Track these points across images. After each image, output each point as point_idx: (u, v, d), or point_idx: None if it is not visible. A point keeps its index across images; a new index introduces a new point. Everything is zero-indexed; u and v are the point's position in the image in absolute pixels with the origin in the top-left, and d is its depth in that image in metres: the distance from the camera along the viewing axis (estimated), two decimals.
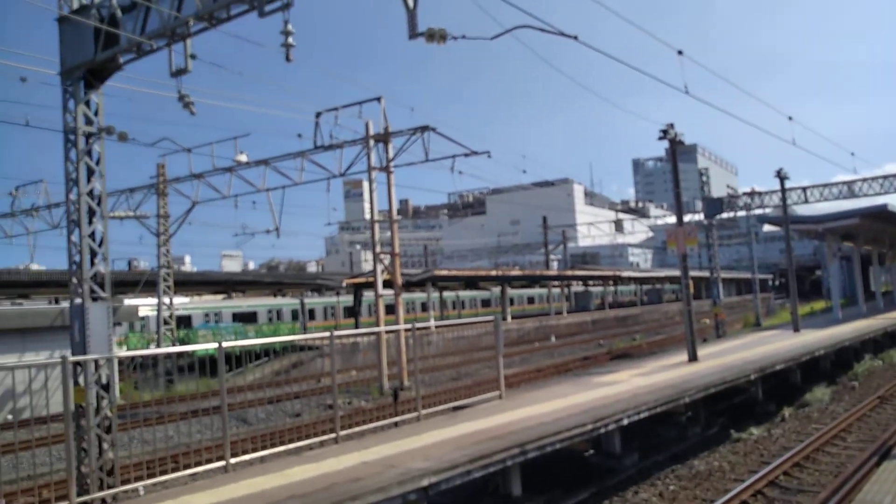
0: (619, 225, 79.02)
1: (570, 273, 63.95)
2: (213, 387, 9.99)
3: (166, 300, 30.56)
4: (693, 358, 19.15)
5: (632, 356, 29.21)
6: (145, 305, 32.45)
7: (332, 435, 10.23)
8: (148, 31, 9.58)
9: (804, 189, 34.73)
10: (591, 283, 65.96)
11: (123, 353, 20.94)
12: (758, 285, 46.00)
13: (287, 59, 10.69)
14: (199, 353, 11.07)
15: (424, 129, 23.37)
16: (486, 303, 57.16)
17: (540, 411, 11.82)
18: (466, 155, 24.22)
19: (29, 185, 30.54)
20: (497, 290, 54.45)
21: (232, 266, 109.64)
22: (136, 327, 34.06)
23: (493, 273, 53.69)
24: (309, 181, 25.23)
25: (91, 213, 10.20)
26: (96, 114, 10.35)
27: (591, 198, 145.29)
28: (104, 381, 9.88)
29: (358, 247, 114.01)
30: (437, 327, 27.78)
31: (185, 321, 35.42)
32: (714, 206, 36.79)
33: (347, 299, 44.75)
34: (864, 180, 33.88)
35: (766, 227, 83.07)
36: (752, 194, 36.82)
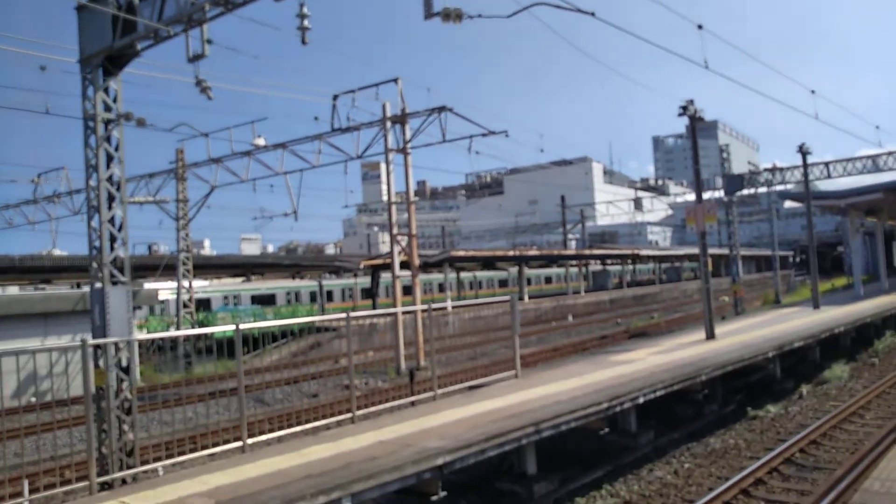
0: (638, 203, 78.28)
1: (587, 252, 63.64)
2: (232, 368, 10.13)
3: (186, 283, 30.93)
4: (711, 336, 19.07)
5: (649, 335, 29.13)
6: (165, 289, 32.84)
7: (349, 415, 10.34)
8: (165, 17, 9.63)
9: (827, 164, 33.98)
10: (609, 261, 65.64)
11: (142, 335, 21.29)
12: (778, 262, 45.51)
13: (303, 41, 10.74)
14: (218, 335, 11.21)
15: (441, 109, 23.22)
16: (503, 283, 57.12)
17: (556, 390, 11.85)
18: (484, 135, 24.08)
19: (51, 172, 31.07)
20: (514, 270, 54.38)
21: (251, 249, 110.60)
22: (157, 311, 34.54)
23: (511, 253, 53.57)
24: (326, 164, 25.22)
25: (111, 198, 10.31)
26: (115, 100, 10.42)
27: (611, 176, 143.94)
28: (124, 363, 10.05)
29: (375, 229, 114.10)
30: (453, 308, 27.95)
31: (204, 304, 35.82)
32: (734, 182, 36.33)
33: (365, 281, 44.98)
34: (890, 154, 32.78)
35: (788, 203, 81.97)
36: (773, 170, 36.23)
